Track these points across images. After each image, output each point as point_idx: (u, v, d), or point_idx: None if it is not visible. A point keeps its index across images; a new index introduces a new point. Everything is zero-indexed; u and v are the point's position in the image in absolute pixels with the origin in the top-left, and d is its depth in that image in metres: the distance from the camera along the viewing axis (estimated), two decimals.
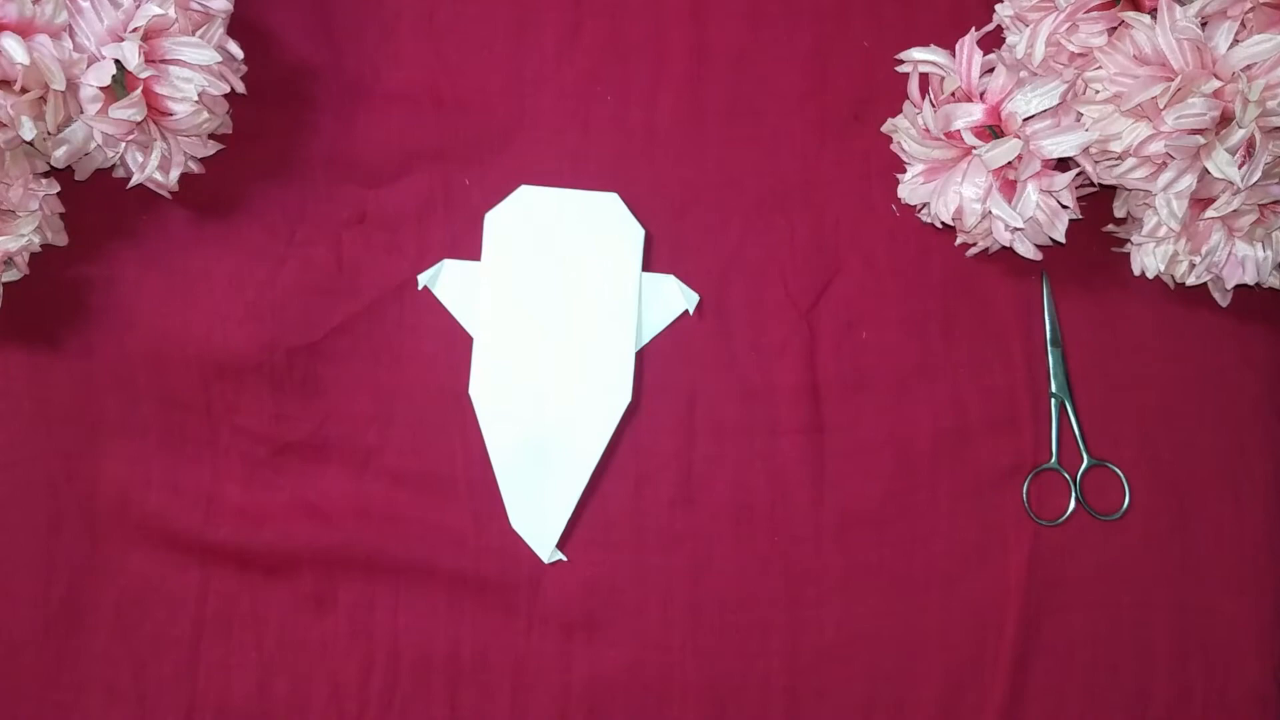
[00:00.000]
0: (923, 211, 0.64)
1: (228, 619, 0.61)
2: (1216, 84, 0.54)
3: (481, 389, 0.62)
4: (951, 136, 0.59)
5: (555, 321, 0.62)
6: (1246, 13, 0.55)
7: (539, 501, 0.61)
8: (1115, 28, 0.57)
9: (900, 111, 0.64)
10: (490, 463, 0.62)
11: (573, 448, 0.62)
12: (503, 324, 0.62)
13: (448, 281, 0.63)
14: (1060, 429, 0.63)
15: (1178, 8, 0.55)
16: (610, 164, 0.65)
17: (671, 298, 0.63)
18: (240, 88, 0.61)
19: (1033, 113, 0.57)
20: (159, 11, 0.56)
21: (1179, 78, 0.54)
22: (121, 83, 0.57)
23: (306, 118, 0.65)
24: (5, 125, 0.55)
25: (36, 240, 0.59)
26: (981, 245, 0.63)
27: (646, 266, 0.64)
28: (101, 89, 0.56)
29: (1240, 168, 0.54)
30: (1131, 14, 0.56)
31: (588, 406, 0.62)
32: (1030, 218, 0.59)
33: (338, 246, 0.64)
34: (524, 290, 0.63)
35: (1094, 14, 0.57)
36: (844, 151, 0.65)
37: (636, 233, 0.63)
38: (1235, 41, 0.55)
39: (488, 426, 0.61)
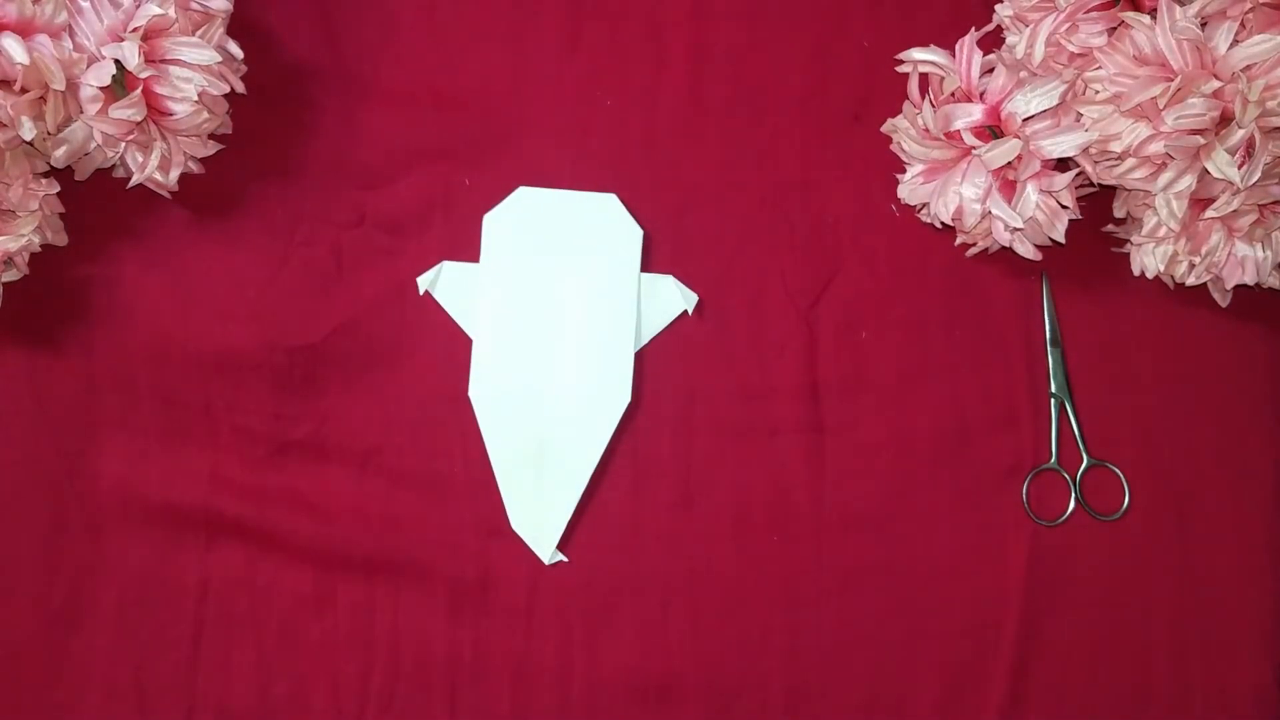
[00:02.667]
0: (923, 211, 0.64)
1: (228, 618, 0.61)
2: (1216, 84, 0.54)
3: (481, 390, 0.62)
4: (951, 137, 0.59)
5: (554, 322, 0.62)
6: (1246, 13, 0.55)
7: (539, 502, 0.61)
8: (1115, 28, 0.57)
9: (900, 111, 0.64)
10: (490, 463, 0.62)
11: (572, 448, 0.62)
12: (502, 325, 0.62)
13: (447, 283, 0.63)
14: (1060, 429, 0.63)
15: (1178, 8, 0.55)
16: (610, 164, 0.65)
17: (670, 298, 0.63)
18: (240, 88, 0.61)
19: (1033, 113, 0.57)
20: (159, 11, 0.56)
21: (1179, 78, 0.54)
22: (121, 83, 0.57)
23: (306, 118, 0.65)
24: (5, 125, 0.55)
25: (36, 240, 0.59)
26: (981, 245, 0.63)
27: (646, 267, 0.64)
28: (101, 89, 0.56)
29: (1240, 168, 0.54)
30: (1131, 14, 0.56)
31: (587, 407, 0.62)
32: (1030, 218, 0.58)
33: (338, 247, 0.64)
34: (523, 291, 0.63)
35: (1094, 14, 0.57)
36: (844, 151, 0.65)
37: (635, 233, 0.63)
38: (1235, 41, 0.55)
39: (488, 428, 0.61)
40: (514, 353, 0.62)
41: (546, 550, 0.61)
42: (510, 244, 0.63)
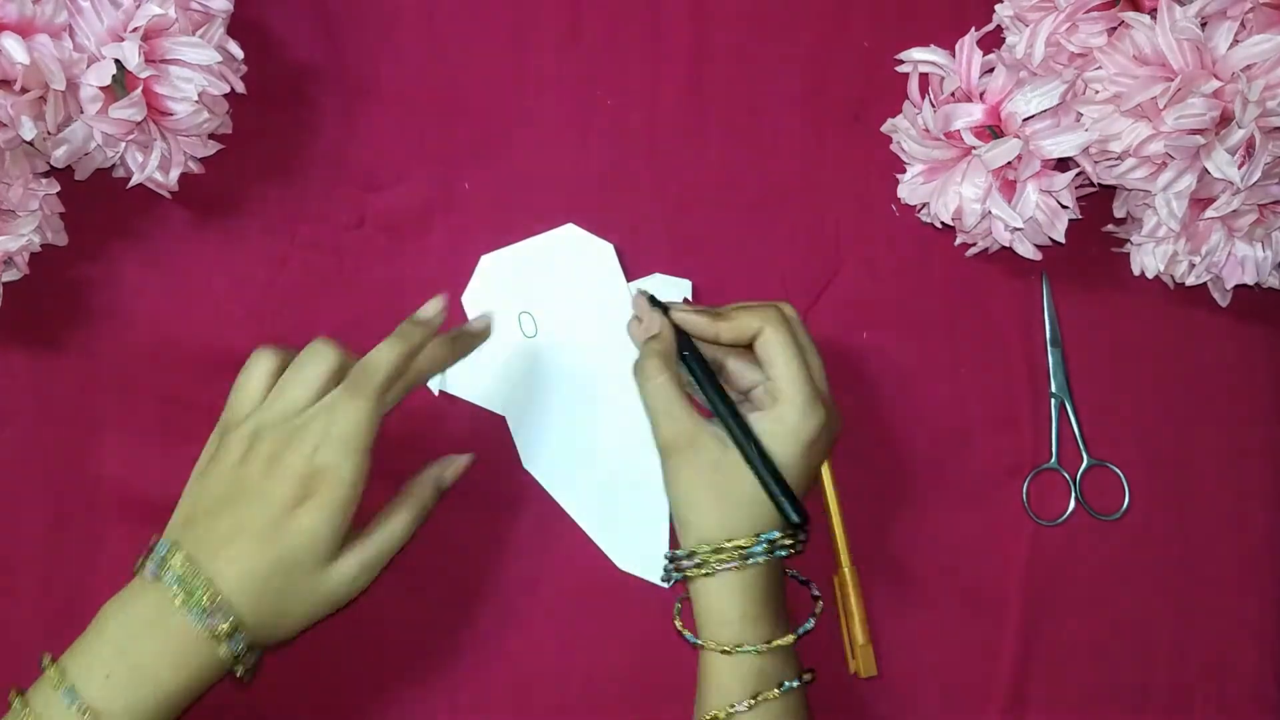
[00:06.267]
0: (923, 211, 0.64)
1: None
2: (1216, 84, 0.54)
3: (535, 461, 0.62)
4: (951, 136, 0.59)
5: (574, 364, 0.62)
6: (1246, 13, 0.55)
7: (635, 538, 0.61)
8: (1115, 28, 0.57)
9: (900, 111, 0.64)
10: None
11: (639, 469, 0.61)
12: (526, 391, 0.62)
13: (457, 378, 0.62)
14: (1060, 429, 0.63)
15: (1178, 8, 0.55)
16: (610, 164, 0.65)
17: (668, 293, 0.63)
18: (240, 88, 0.61)
19: (1033, 113, 0.57)
20: (159, 11, 0.56)
21: (1179, 78, 0.54)
22: (121, 83, 0.57)
23: (306, 118, 0.65)
24: (5, 125, 0.55)
25: (36, 240, 0.59)
26: (981, 245, 0.63)
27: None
28: (101, 89, 0.56)
29: (1240, 168, 0.54)
30: (1131, 14, 0.56)
31: (632, 425, 0.61)
32: (1030, 218, 0.58)
33: (338, 248, 0.64)
34: (531, 352, 0.62)
35: (1094, 14, 0.57)
36: (844, 151, 0.65)
37: (606, 249, 0.63)
38: (1235, 41, 0.55)
39: (556, 489, 0.61)
40: (549, 409, 0.62)
41: (658, 575, 0.60)
42: (498, 313, 0.62)
